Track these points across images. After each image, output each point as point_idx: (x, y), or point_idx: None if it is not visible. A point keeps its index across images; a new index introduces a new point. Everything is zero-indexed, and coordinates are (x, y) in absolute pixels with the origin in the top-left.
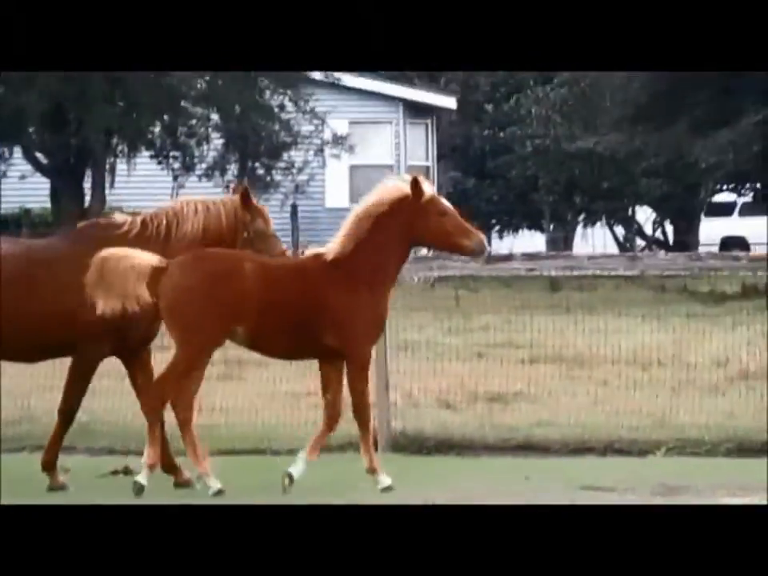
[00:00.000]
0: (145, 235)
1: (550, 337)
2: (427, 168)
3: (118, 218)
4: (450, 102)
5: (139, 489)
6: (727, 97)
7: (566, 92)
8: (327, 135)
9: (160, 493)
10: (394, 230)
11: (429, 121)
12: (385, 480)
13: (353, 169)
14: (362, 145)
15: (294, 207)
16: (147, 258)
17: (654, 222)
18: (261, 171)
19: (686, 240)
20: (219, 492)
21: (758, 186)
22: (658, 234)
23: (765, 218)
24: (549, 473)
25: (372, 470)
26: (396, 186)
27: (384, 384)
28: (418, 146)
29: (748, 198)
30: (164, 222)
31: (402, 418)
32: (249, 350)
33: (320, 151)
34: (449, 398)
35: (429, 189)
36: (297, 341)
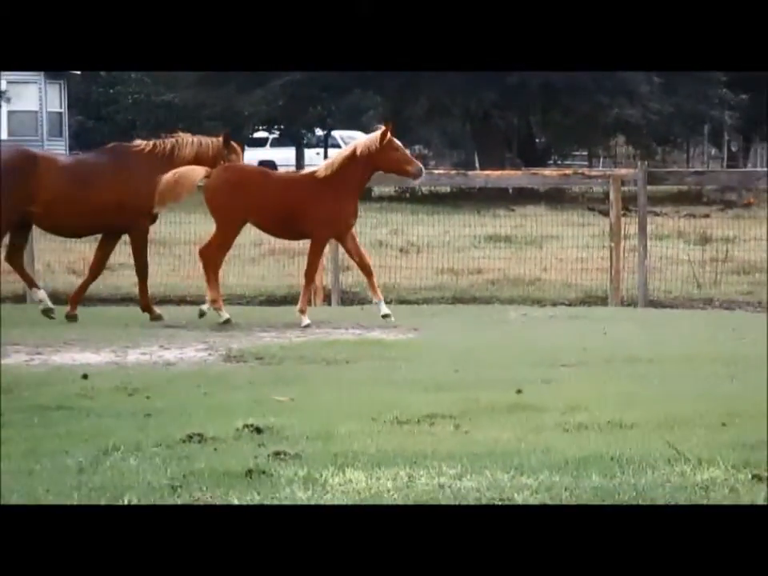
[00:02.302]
0: (154, 152)
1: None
2: (60, 113)
3: (138, 141)
4: None
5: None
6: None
7: None
8: None
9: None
10: (364, 160)
11: (62, 81)
12: (305, 320)
13: (10, 113)
14: (16, 97)
15: None
16: (200, 171)
17: None
18: None
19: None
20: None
21: (282, 127)
22: None
23: (286, 148)
24: (142, 316)
25: (301, 311)
26: (369, 135)
27: (30, 259)
28: (55, 98)
29: (276, 135)
30: (168, 146)
31: (43, 280)
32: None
33: None
34: (74, 267)
35: (388, 135)
36: (288, 227)
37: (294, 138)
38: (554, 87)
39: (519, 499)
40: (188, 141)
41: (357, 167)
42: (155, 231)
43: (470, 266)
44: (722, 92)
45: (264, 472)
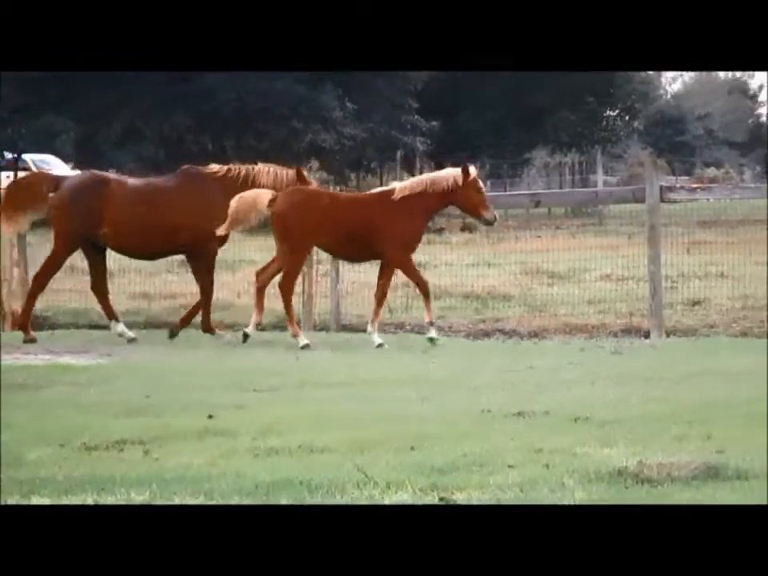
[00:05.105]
0: (228, 177)
1: None
2: None
3: (213, 165)
4: None
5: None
6: None
7: None
8: None
9: None
10: (442, 191)
11: None
12: (433, 331)
13: None
14: None
15: None
16: (266, 194)
17: None
18: None
19: None
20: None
21: None
22: None
23: None
24: None
25: (430, 323)
26: (454, 171)
27: None
28: None
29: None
30: (244, 173)
31: None
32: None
33: None
34: None
35: (474, 173)
36: (359, 247)
37: None
38: (247, 112)
39: None
40: (264, 171)
41: (433, 196)
42: None
43: (164, 291)
44: (414, 118)
45: None
